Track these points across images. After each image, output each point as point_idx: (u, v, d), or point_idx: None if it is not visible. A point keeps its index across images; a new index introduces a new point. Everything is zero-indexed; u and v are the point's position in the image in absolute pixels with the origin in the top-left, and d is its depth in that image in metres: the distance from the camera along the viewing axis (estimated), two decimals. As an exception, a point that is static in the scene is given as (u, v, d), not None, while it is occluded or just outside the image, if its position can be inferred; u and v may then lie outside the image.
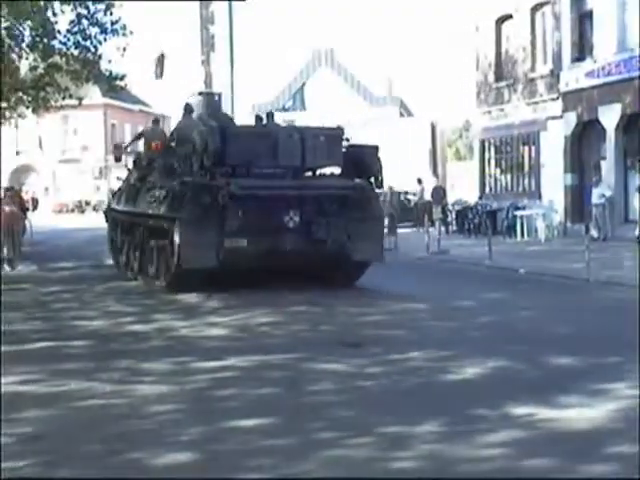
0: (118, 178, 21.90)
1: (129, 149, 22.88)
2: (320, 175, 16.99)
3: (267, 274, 15.79)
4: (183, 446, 6.21)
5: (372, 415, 6.99)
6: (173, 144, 17.58)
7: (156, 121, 19.81)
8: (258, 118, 18.41)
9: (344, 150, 16.39)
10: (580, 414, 6.93)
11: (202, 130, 15.76)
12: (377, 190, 17.14)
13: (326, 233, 15.42)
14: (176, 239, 15.08)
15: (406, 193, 40.13)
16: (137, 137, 20.75)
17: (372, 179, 16.42)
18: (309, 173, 16.66)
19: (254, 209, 14.88)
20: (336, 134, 16.49)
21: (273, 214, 15.14)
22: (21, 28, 24.80)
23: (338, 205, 15.66)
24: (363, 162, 16.32)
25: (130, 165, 20.06)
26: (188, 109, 17.81)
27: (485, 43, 35.68)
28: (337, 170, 16.72)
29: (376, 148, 16.92)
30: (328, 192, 15.82)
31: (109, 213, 21.15)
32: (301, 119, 75.61)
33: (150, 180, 17.10)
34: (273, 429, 6.66)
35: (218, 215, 14.82)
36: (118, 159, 21.47)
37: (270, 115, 17.88)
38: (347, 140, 16.73)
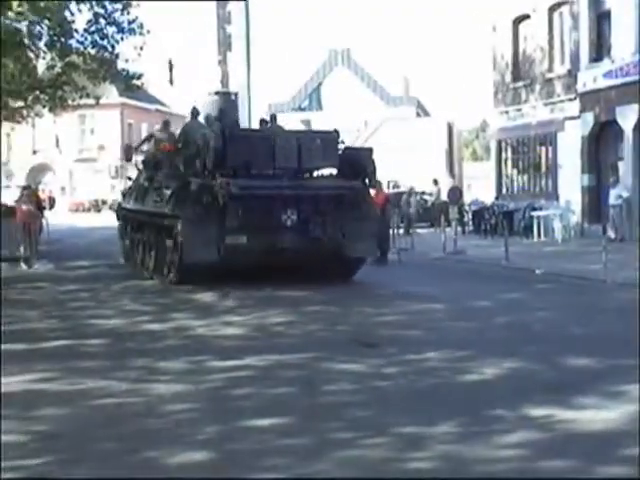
0: (129, 178, 22.24)
1: (141, 149, 23.18)
2: (317, 176, 17.67)
3: (269, 270, 16.25)
4: (199, 445, 6.21)
5: (388, 415, 6.98)
6: (180, 146, 18.26)
7: (166, 123, 20.27)
8: (262, 121, 19.16)
9: (340, 152, 17.13)
10: (597, 415, 6.90)
11: (204, 133, 16.67)
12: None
13: (322, 231, 16.09)
14: (180, 236, 15.75)
15: (423, 193, 40.08)
16: (147, 138, 21.35)
17: (367, 180, 17.13)
18: (307, 174, 17.29)
19: (253, 208, 15.63)
20: (332, 137, 17.26)
21: (271, 213, 15.91)
22: (39, 27, 24.85)
23: (334, 204, 16.35)
24: (358, 164, 17.02)
25: (140, 165, 20.46)
26: (194, 113, 18.65)
27: (502, 43, 35.57)
28: (334, 171, 17.47)
29: (370, 150, 17.93)
30: (324, 192, 16.54)
31: (120, 212, 21.62)
32: (317, 119, 75.79)
33: (157, 180, 17.71)
34: (288, 429, 6.65)
35: (219, 213, 15.56)
36: (128, 159, 21.89)
37: (273, 118, 18.74)
38: (342, 143, 17.48)
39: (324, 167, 17.62)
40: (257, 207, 15.68)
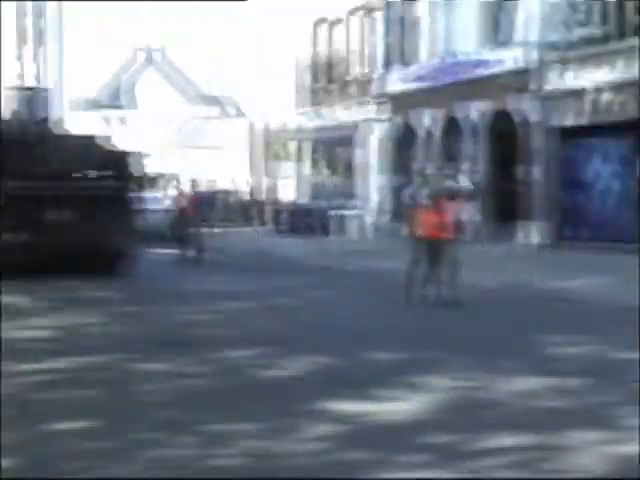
0: None
1: None
2: (86, 177, 18.90)
3: (46, 266, 16.92)
4: (4, 451, 6.05)
5: (194, 414, 7.01)
6: None
7: None
8: (41, 121, 21.28)
9: (103, 154, 18.98)
10: (397, 407, 7.17)
11: None
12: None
13: (91, 228, 17.46)
14: None
15: (237, 193, 40.21)
16: None
17: (126, 180, 18.95)
18: (76, 175, 18.63)
19: (27, 208, 17.08)
20: (91, 142, 19.53)
21: (43, 211, 17.41)
22: None
23: (101, 203, 17.95)
24: (119, 165, 18.89)
25: None
26: None
27: (305, 45, 35.99)
28: (100, 172, 18.92)
29: (128, 153, 20.10)
30: (92, 192, 18.10)
31: None
32: (132, 117, 74.60)
33: None
34: (95, 431, 6.59)
35: None
36: None
37: (44, 120, 21.16)
38: (104, 146, 19.49)
39: (87, 168, 18.86)
40: (29, 206, 17.09)
